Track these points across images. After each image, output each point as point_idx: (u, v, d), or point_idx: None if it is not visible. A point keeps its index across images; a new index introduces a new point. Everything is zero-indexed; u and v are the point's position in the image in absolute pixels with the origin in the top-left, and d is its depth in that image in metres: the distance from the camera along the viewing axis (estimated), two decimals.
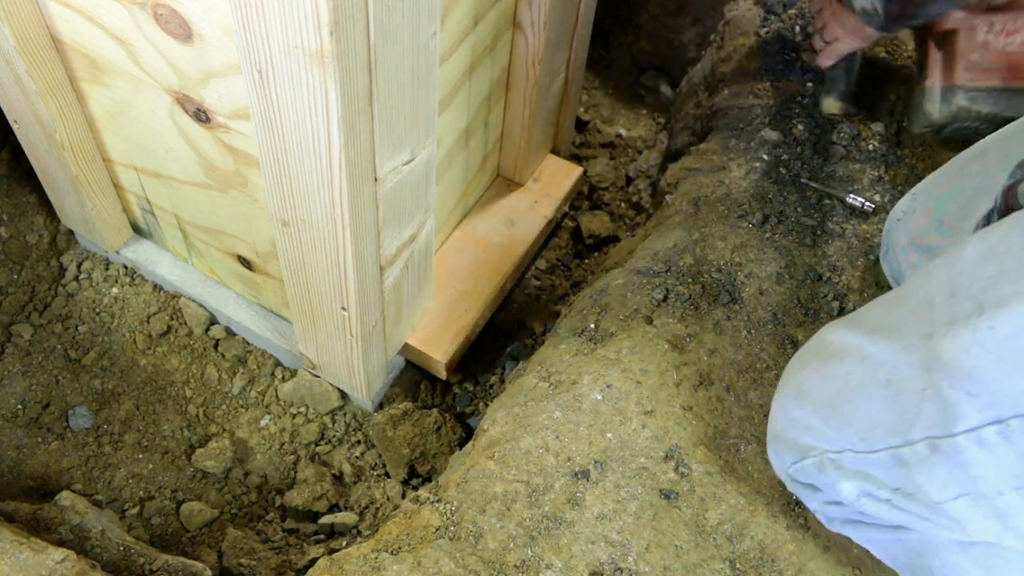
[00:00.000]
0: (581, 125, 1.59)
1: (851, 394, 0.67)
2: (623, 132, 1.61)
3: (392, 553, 0.82)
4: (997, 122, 0.98)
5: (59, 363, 1.16)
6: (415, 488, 1.08)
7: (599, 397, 0.92)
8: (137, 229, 1.21)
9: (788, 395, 0.74)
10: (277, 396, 1.17)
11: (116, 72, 0.90)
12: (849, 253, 1.06)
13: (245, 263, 1.08)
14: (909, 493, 0.64)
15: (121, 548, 0.91)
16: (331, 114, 0.68)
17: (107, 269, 1.23)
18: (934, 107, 1.05)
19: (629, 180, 1.51)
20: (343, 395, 1.15)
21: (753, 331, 0.98)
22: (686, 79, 1.51)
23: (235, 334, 1.20)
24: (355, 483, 1.11)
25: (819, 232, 1.07)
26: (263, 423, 1.15)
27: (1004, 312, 0.56)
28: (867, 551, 0.78)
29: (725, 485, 0.87)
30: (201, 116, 0.86)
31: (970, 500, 0.60)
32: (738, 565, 0.83)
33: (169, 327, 1.19)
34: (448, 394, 1.21)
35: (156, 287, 1.22)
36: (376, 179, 0.79)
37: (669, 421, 0.90)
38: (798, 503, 0.87)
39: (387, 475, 1.11)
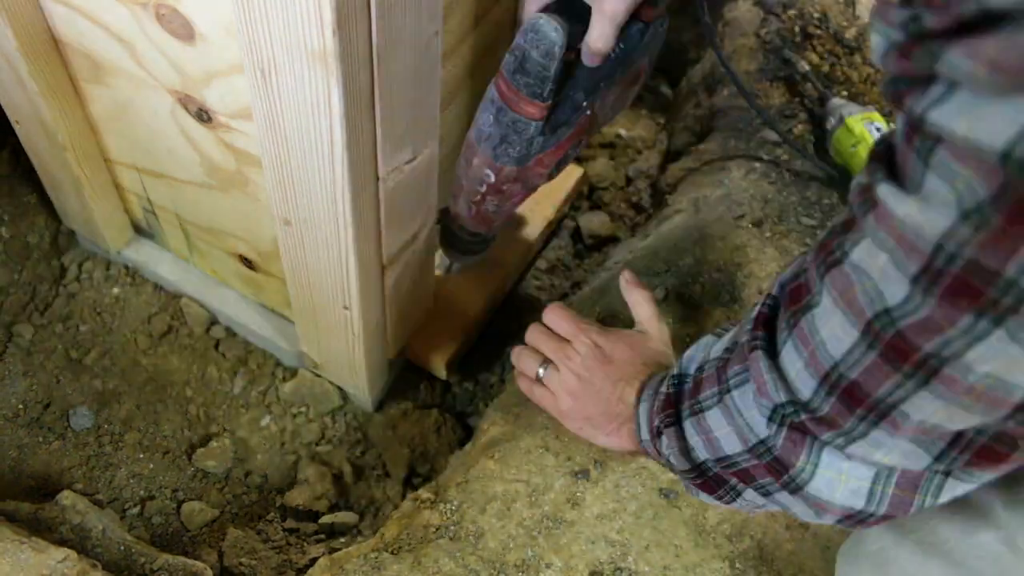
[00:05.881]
0: None
1: None
2: (623, 132, 1.62)
3: (392, 553, 0.82)
4: None
5: (60, 363, 1.16)
6: (415, 488, 1.08)
7: None
8: (138, 229, 1.21)
9: None
10: (278, 396, 1.17)
11: (118, 72, 0.90)
12: None
13: (247, 263, 1.08)
14: None
15: (122, 548, 0.91)
16: (333, 113, 0.68)
17: (108, 269, 1.23)
18: None
19: (629, 180, 1.51)
20: (344, 395, 1.15)
21: None
22: (686, 79, 1.51)
23: (236, 334, 1.20)
24: (355, 483, 1.11)
25: (819, 232, 1.07)
26: (264, 423, 1.15)
27: None
28: None
29: None
30: (203, 116, 0.86)
31: None
32: (737, 565, 0.83)
33: (170, 327, 1.19)
34: (448, 394, 1.22)
35: (157, 287, 1.22)
36: (378, 178, 0.79)
37: None
38: None
39: (387, 475, 1.11)
